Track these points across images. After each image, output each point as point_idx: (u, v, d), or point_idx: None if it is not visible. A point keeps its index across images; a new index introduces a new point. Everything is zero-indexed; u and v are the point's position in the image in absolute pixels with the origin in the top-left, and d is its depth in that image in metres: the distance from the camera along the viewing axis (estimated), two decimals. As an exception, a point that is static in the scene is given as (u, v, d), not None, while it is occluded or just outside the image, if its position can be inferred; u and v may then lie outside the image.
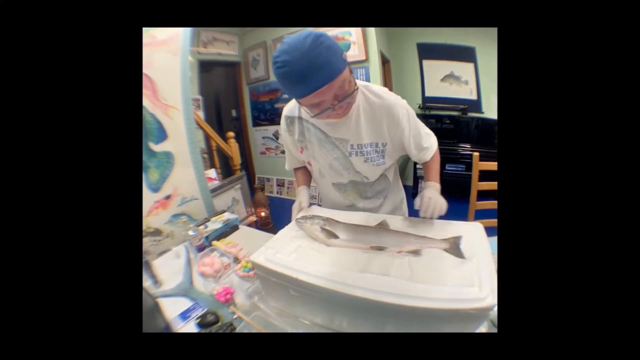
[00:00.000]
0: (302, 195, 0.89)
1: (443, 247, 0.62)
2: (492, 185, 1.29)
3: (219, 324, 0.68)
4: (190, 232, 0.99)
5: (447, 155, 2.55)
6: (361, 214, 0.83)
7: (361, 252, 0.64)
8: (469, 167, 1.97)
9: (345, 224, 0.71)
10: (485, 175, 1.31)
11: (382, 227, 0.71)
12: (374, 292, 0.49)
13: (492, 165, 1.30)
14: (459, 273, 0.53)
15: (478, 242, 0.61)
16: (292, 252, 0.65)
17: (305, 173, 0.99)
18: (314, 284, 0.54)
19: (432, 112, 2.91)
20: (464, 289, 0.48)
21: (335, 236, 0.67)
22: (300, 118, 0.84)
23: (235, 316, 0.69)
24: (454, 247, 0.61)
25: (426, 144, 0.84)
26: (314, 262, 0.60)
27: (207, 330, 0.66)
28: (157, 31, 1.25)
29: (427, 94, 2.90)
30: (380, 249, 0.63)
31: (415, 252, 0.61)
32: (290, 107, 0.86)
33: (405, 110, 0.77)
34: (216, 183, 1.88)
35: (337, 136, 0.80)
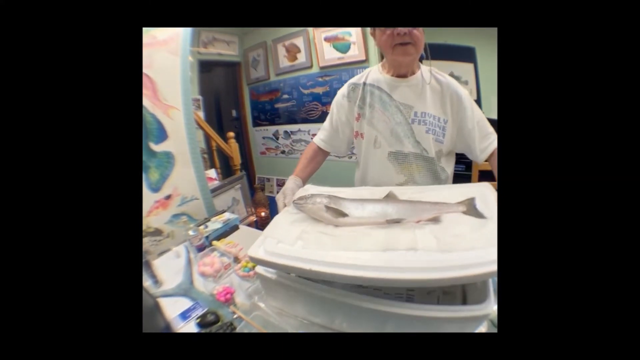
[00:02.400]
0: (289, 183, 0.84)
1: (461, 210, 0.58)
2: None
3: (219, 324, 0.68)
4: (191, 232, 0.99)
5: (447, 155, 2.55)
6: (365, 189, 0.78)
7: (376, 229, 0.56)
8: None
9: (352, 199, 0.63)
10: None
11: (392, 198, 0.65)
12: (407, 272, 0.44)
13: (492, 165, 1.31)
14: (482, 235, 0.50)
15: (491, 201, 0.59)
16: (296, 239, 0.56)
17: (312, 163, 0.95)
18: (336, 274, 0.46)
19: (432, 112, 2.91)
20: (492, 249, 0.45)
21: (344, 214, 0.59)
22: (365, 84, 0.88)
23: (235, 316, 0.69)
24: (471, 209, 0.58)
25: (490, 129, 0.84)
26: (326, 248, 0.52)
27: (207, 330, 0.66)
28: (157, 31, 1.25)
29: (428, 94, 2.90)
30: (397, 221, 0.57)
31: (435, 220, 0.56)
32: (358, 76, 0.91)
33: (468, 95, 0.84)
34: (216, 183, 1.88)
35: (402, 101, 0.84)
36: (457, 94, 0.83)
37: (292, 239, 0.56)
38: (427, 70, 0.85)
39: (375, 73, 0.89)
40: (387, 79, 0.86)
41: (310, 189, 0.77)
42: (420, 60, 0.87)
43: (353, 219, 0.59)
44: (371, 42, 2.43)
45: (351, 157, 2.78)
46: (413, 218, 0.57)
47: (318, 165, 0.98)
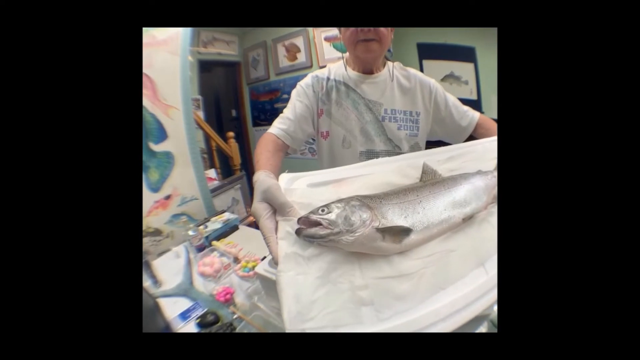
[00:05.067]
0: (265, 182, 0.44)
1: None
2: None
3: (219, 324, 0.68)
4: (190, 232, 0.99)
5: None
6: (368, 165, 0.55)
7: (452, 238, 0.41)
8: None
9: (390, 195, 0.42)
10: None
11: (434, 179, 0.47)
12: None
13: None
14: None
15: None
16: (357, 308, 0.35)
17: (275, 157, 0.72)
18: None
19: (432, 112, 2.91)
20: None
21: (407, 230, 0.38)
22: (329, 78, 0.84)
23: (235, 316, 0.69)
24: None
25: (465, 107, 0.85)
26: (412, 300, 0.35)
27: (207, 330, 0.66)
28: (157, 31, 1.25)
29: (427, 94, 2.90)
30: (471, 216, 0.43)
31: (497, 198, 0.45)
32: (320, 70, 0.87)
33: (435, 82, 0.85)
34: (216, 183, 1.88)
35: (371, 99, 0.82)
36: (426, 84, 0.84)
37: (354, 313, 0.35)
38: (393, 67, 0.84)
39: (339, 69, 0.85)
40: (353, 76, 0.83)
41: (294, 189, 0.47)
42: (387, 59, 0.86)
43: (421, 234, 0.39)
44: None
45: (304, 152, 2.68)
46: (483, 204, 0.44)
47: (280, 160, 0.75)
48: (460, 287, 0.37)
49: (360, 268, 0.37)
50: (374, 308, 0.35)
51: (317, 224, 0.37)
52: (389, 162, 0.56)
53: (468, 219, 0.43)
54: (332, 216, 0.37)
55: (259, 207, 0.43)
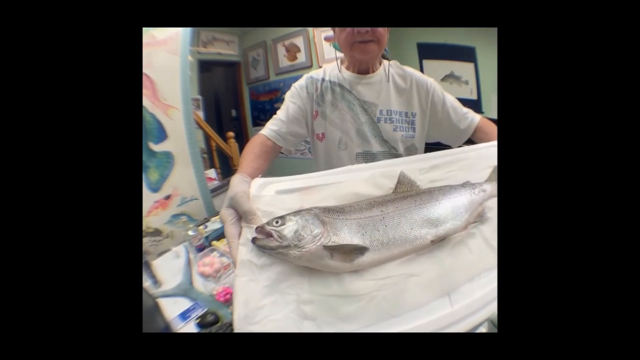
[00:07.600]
0: (238, 186, 0.47)
1: (495, 193, 0.44)
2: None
3: (219, 324, 0.68)
4: (190, 232, 0.99)
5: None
6: (342, 171, 0.51)
7: (416, 260, 0.38)
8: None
9: (354, 208, 0.40)
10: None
11: (407, 191, 0.43)
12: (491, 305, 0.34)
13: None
14: None
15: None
16: (299, 321, 0.36)
17: (259, 160, 0.71)
18: None
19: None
20: None
21: (362, 249, 0.36)
22: (323, 80, 0.83)
23: (235, 316, 0.68)
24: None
25: (465, 109, 0.81)
26: (354, 321, 0.35)
27: (207, 330, 0.66)
28: (157, 31, 1.25)
29: (427, 94, 2.90)
30: (443, 237, 0.39)
31: (482, 217, 0.41)
32: (315, 71, 0.86)
33: (434, 82, 0.81)
34: (216, 183, 1.89)
35: (365, 99, 0.80)
36: (423, 84, 0.80)
37: (297, 325, 0.35)
38: (389, 66, 0.81)
39: (334, 69, 0.84)
40: (348, 76, 0.81)
41: (262, 196, 0.46)
42: (384, 57, 0.84)
43: (377, 254, 0.37)
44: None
45: (304, 153, 2.66)
46: (462, 222, 0.40)
47: (267, 163, 0.75)
48: (416, 317, 0.34)
49: (309, 282, 0.37)
50: (316, 324, 0.35)
51: (270, 235, 0.37)
52: (363, 169, 0.52)
53: (439, 241, 0.39)
54: (284, 229, 0.37)
55: (225, 213, 0.44)
